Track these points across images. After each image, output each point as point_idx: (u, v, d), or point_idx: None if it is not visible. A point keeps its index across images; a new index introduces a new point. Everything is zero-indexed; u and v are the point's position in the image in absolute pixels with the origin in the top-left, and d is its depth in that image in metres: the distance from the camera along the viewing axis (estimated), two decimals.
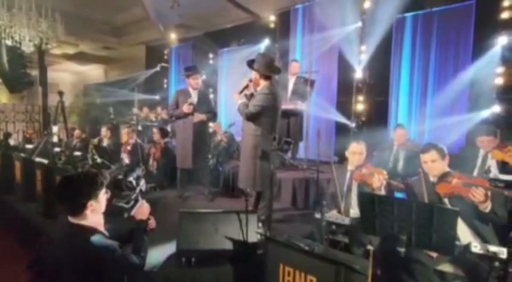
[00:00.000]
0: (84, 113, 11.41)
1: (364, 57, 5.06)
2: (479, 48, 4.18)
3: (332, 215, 2.27)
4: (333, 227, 2.20)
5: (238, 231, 2.24)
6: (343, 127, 5.28)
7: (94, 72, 12.73)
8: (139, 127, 7.01)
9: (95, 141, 5.44)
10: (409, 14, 4.72)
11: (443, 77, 4.52)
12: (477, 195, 1.81)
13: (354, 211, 2.45)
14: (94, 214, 1.56)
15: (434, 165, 2.10)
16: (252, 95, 2.98)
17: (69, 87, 12.96)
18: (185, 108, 3.75)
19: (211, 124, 5.08)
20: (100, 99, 10.34)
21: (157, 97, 8.89)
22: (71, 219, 1.54)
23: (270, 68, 2.90)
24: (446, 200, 2.04)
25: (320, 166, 3.35)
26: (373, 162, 3.91)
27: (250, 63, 2.94)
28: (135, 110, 7.76)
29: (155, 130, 5.20)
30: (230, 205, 3.73)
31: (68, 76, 13.47)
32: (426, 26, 4.61)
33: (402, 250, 1.63)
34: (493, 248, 1.54)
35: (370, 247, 2.11)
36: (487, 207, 1.84)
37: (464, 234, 1.96)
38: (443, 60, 4.52)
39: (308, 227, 2.85)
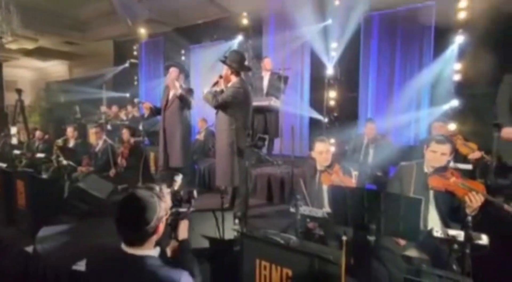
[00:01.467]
0: (46, 112, 10.67)
1: (335, 54, 5.20)
2: (439, 46, 4.46)
3: (307, 209, 2.31)
4: (308, 220, 2.25)
5: (214, 229, 2.23)
6: (316, 123, 5.41)
7: (57, 68, 11.94)
8: (109, 127, 6.71)
9: (60, 141, 5.11)
10: (375, 13, 4.91)
11: (408, 74, 4.78)
12: (475, 201, 1.81)
13: (326, 210, 2.49)
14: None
15: (442, 157, 2.07)
16: (222, 91, 2.99)
17: (28, 85, 12.05)
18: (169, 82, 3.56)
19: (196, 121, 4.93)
20: (64, 98, 9.74)
21: (127, 94, 8.53)
22: (133, 250, 1.21)
23: (241, 65, 3.00)
24: (431, 192, 2.08)
25: (295, 161, 3.41)
26: (345, 156, 4.07)
27: (223, 59, 3.01)
28: (103, 108, 7.40)
29: (124, 129, 4.99)
30: (206, 203, 3.69)
31: (28, 73, 12.52)
32: (391, 24, 4.83)
33: (372, 238, 1.71)
34: (452, 232, 1.65)
35: (344, 238, 2.19)
36: (474, 212, 1.83)
37: (434, 222, 2.07)
38: (408, 57, 4.77)
39: (284, 222, 2.90)
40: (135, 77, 8.60)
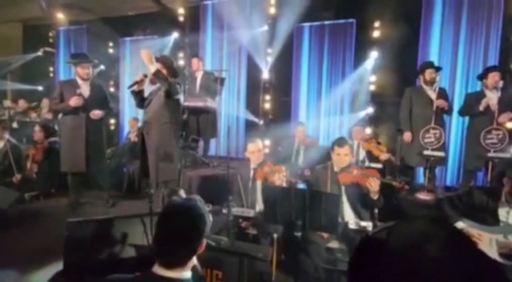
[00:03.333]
0: None
1: (270, 60, 5.42)
2: (359, 58, 5.04)
3: (239, 209, 2.35)
4: (240, 220, 2.28)
5: (141, 236, 2.08)
6: (252, 125, 5.54)
7: None
8: (15, 124, 5.71)
9: None
10: (306, 24, 5.30)
11: (334, 82, 5.27)
12: (374, 185, 2.09)
13: (260, 207, 2.59)
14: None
15: (346, 158, 2.35)
16: (141, 91, 2.86)
17: None
18: (73, 101, 3.25)
19: (126, 120, 4.56)
20: None
21: (39, 88, 7.38)
22: (172, 273, 0.99)
23: (175, 69, 3.03)
24: (342, 187, 2.35)
25: (230, 162, 3.41)
26: (278, 156, 4.26)
27: (156, 58, 2.91)
28: (7, 103, 6.26)
29: (36, 128, 4.30)
30: (135, 208, 3.43)
31: None
32: (319, 36, 5.27)
33: (298, 234, 1.82)
34: (363, 223, 1.88)
35: (274, 235, 2.29)
36: (376, 195, 2.13)
37: (348, 215, 2.32)
38: (333, 67, 5.27)
39: (218, 223, 2.88)
40: (51, 69, 7.51)
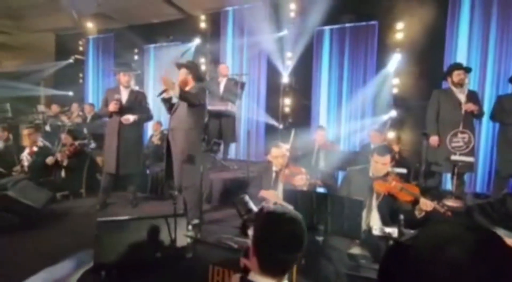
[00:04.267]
0: None
1: (290, 64, 5.43)
2: (381, 61, 4.94)
3: None
4: None
5: (166, 236, 2.14)
6: (272, 128, 5.56)
7: None
8: (47, 128, 6.05)
9: None
10: (327, 27, 5.27)
11: (355, 85, 5.19)
12: (426, 206, 2.01)
13: None
14: None
15: (383, 167, 2.28)
16: (170, 98, 2.94)
17: None
18: (111, 106, 3.43)
19: (149, 124, 4.74)
20: None
21: (70, 93, 7.80)
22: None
23: (200, 73, 3.14)
24: (374, 195, 2.29)
25: (250, 166, 3.46)
26: (298, 160, 4.25)
27: (182, 64, 3.05)
28: (41, 107, 6.66)
29: (63, 135, 4.51)
30: (159, 209, 3.54)
31: None
32: (340, 39, 5.22)
33: (320, 238, 1.81)
34: (388, 229, 1.84)
35: None
36: (422, 213, 2.05)
37: (374, 221, 2.26)
38: (355, 70, 5.19)
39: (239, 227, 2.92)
40: (80, 75, 7.92)
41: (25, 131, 4.51)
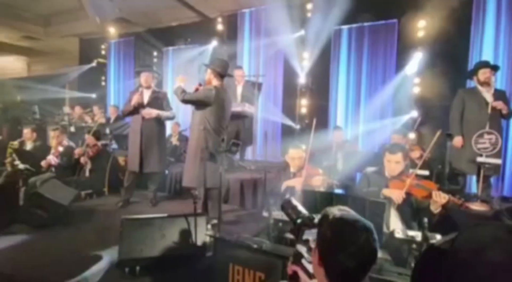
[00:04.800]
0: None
1: (307, 64, 5.40)
2: (401, 60, 4.82)
3: (279, 213, 2.37)
4: (280, 224, 2.30)
5: (186, 234, 2.19)
6: (288, 129, 5.54)
7: (14, 65, 11.02)
8: (72, 129, 6.32)
9: (15, 143, 4.72)
10: (344, 27, 5.20)
11: (374, 85, 5.09)
12: (440, 198, 1.95)
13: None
14: None
15: (397, 165, 2.24)
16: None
17: None
18: (135, 98, 3.55)
19: (169, 124, 4.85)
20: (21, 97, 9.00)
21: (93, 95, 8.12)
22: None
23: (225, 71, 3.11)
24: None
25: (267, 166, 3.47)
26: (315, 161, 4.22)
27: (208, 65, 3.14)
28: (66, 109, 6.96)
29: (87, 136, 4.69)
30: (178, 208, 3.62)
31: None
32: (359, 38, 5.14)
33: None
34: (411, 233, 1.79)
35: (310, 239, 2.26)
36: (438, 209, 1.99)
37: (395, 223, 2.22)
38: (374, 69, 5.09)
39: (257, 226, 2.94)
40: (103, 78, 8.22)
41: (52, 133, 4.72)
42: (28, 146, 4.83)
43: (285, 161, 2.81)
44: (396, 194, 2.13)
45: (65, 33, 8.10)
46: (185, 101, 3.06)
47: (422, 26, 4.60)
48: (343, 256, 0.86)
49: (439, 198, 1.96)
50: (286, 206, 1.19)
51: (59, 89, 8.12)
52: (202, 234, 2.21)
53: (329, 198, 1.91)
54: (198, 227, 2.19)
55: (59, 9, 7.54)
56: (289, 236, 2.57)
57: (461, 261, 0.48)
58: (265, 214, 2.18)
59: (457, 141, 3.41)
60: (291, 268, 0.99)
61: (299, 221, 1.11)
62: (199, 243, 2.18)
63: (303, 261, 0.97)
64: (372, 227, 0.91)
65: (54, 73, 8.73)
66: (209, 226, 2.50)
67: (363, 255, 0.87)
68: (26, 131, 4.88)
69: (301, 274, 0.96)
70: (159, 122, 3.72)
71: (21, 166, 4.02)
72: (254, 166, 4.59)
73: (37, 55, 10.06)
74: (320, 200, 1.97)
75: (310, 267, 0.95)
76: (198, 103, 3.03)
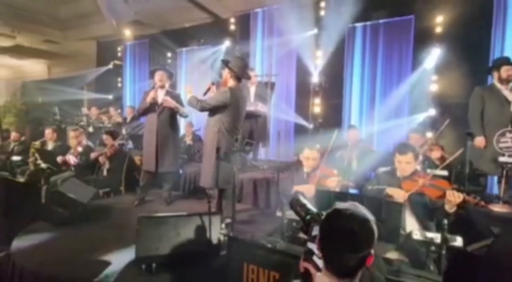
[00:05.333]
0: (22, 113, 10.20)
1: (320, 63, 5.34)
2: (418, 57, 4.69)
3: (292, 213, 2.36)
4: (294, 224, 2.29)
5: (201, 233, 2.22)
6: (301, 129, 5.51)
7: (35, 67, 11.47)
8: (90, 129, 6.52)
9: (37, 143, 4.91)
10: (359, 24, 5.11)
11: (389, 83, 4.98)
12: (455, 197, 1.89)
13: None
14: None
15: (408, 166, 2.20)
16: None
17: (2, 84, 11.51)
18: (150, 95, 3.58)
19: (182, 124, 4.90)
20: (42, 98, 9.37)
21: (110, 96, 8.34)
22: None
23: (243, 71, 3.08)
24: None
25: (280, 166, 3.46)
26: (329, 160, 4.18)
27: (226, 62, 3.06)
28: (84, 110, 7.19)
29: (104, 136, 4.83)
30: (193, 207, 3.67)
31: (2, 71, 11.95)
32: (373, 36, 5.04)
33: None
34: (430, 234, 1.75)
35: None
36: (453, 208, 1.93)
37: (411, 224, 2.17)
38: (389, 67, 4.98)
39: (270, 226, 2.94)
40: (119, 79, 8.43)
41: (72, 133, 4.88)
42: (50, 146, 5.02)
43: (299, 159, 2.80)
44: (399, 194, 2.09)
45: (82, 36, 8.36)
46: (203, 109, 3.05)
47: (440, 21, 4.46)
48: (331, 244, 0.91)
49: (453, 197, 1.91)
50: (295, 204, 1.20)
51: (77, 91, 8.39)
52: (217, 232, 2.23)
53: (344, 199, 1.88)
54: (212, 225, 2.22)
55: (77, 14, 7.79)
56: (303, 236, 2.56)
57: (500, 266, 0.47)
58: (278, 213, 2.18)
59: (480, 141, 3.29)
60: (302, 265, 1.00)
61: (308, 217, 1.13)
62: (213, 241, 2.21)
63: (314, 258, 0.98)
64: (362, 215, 0.93)
65: (72, 75, 9.02)
66: (223, 225, 2.52)
67: (348, 242, 0.90)
68: (48, 132, 5.08)
69: (313, 270, 0.97)
70: (174, 123, 3.77)
71: (43, 165, 4.18)
72: (266, 166, 4.60)
73: (56, 58, 10.43)
74: (335, 201, 1.95)
75: (320, 263, 0.96)
76: (216, 109, 3.02)
